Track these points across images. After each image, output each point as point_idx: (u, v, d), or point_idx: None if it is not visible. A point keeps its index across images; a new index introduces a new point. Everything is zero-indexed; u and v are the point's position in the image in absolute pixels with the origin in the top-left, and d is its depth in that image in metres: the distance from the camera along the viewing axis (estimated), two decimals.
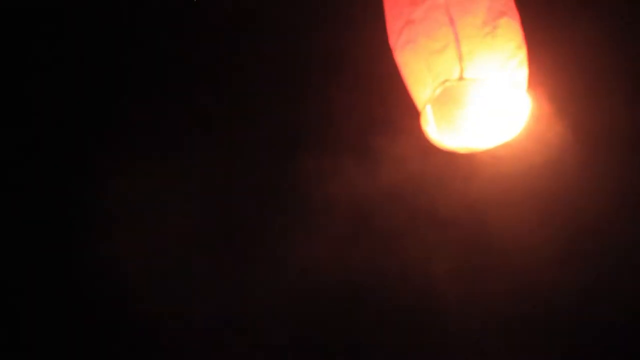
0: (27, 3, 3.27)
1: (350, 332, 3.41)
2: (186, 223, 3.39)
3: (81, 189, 3.39)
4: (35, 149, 3.38)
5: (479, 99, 1.99)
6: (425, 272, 3.34)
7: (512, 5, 2.10)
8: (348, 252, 3.37)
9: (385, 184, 3.23)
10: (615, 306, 3.24)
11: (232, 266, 3.42)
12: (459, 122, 2.03)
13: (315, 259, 3.37)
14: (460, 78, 1.90)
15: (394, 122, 3.03)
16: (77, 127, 3.37)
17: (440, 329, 3.33)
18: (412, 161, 3.09)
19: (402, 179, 3.17)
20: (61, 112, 3.36)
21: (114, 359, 3.45)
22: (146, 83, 3.35)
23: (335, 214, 3.31)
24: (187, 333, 3.45)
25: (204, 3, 3.27)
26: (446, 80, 1.90)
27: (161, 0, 3.27)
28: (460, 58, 1.91)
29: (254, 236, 3.45)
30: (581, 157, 2.91)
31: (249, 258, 3.45)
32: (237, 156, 3.42)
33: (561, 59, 2.78)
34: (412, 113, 2.22)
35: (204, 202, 3.40)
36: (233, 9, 3.28)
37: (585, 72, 2.72)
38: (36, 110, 3.34)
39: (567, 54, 2.81)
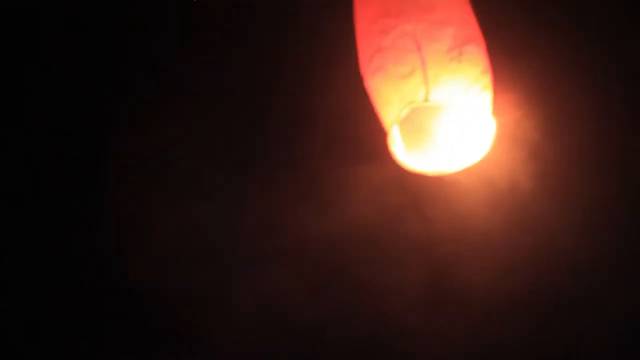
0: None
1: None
2: None
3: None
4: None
5: (445, 123, 2.07)
6: (388, 302, 3.38)
7: (478, 32, 2.19)
8: (315, 280, 3.41)
9: (353, 212, 3.28)
10: (571, 345, 3.28)
11: None
12: (427, 146, 2.11)
13: (285, 295, 3.40)
14: (426, 100, 1.99)
15: (363, 147, 3.09)
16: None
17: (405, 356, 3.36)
18: (380, 188, 3.15)
19: (370, 207, 3.22)
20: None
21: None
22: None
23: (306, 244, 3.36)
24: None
25: None
26: (412, 102, 1.98)
27: None
28: (426, 82, 1.99)
29: None
30: (544, 181, 2.98)
31: None
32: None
33: (525, 83, 2.86)
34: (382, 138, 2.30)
35: None
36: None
37: (549, 95, 2.80)
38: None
39: (531, 77, 2.90)
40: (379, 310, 3.20)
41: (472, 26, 2.16)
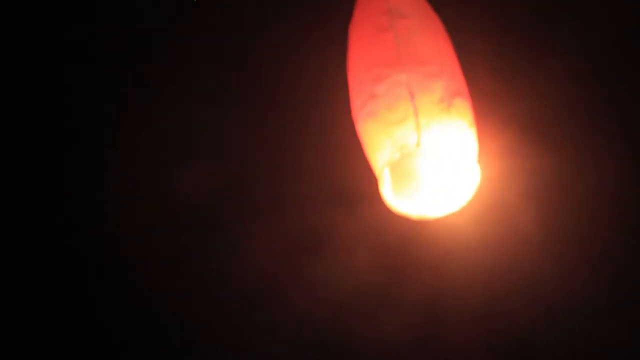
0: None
1: None
2: None
3: None
4: None
5: (433, 169, 2.18)
6: (375, 347, 3.41)
7: (465, 87, 2.31)
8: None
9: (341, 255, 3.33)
10: None
11: None
12: (415, 190, 2.21)
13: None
14: (417, 145, 2.11)
15: (351, 189, 3.17)
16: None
17: None
18: (368, 230, 3.22)
19: (359, 250, 3.27)
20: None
21: None
22: None
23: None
24: None
25: None
26: (404, 146, 2.10)
27: None
28: (418, 128, 2.11)
29: None
30: (533, 223, 3.05)
31: None
32: None
33: (508, 132, 2.98)
34: (370, 183, 2.40)
35: None
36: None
37: (532, 143, 2.89)
38: None
39: (513, 126, 3.02)
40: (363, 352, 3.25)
41: (460, 80, 2.28)
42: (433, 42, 2.25)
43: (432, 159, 2.15)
